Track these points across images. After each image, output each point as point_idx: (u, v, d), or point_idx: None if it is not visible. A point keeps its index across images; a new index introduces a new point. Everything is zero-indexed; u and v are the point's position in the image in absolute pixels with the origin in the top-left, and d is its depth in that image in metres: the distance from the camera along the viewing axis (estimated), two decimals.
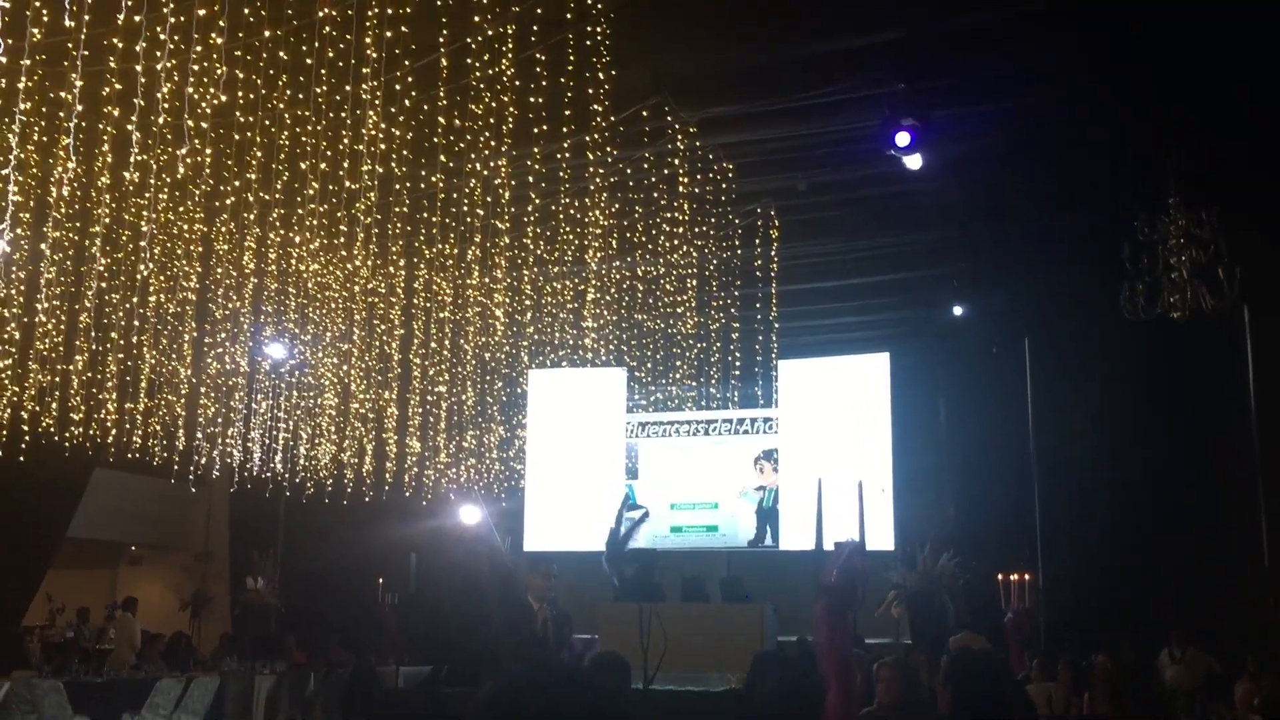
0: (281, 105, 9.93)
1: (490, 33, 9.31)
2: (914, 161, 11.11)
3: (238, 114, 9.61)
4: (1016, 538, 14.46)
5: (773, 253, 13.57)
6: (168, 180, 10.51)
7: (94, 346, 12.76)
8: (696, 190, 12.46)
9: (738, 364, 15.42)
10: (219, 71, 8.49)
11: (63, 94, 9.11)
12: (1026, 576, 13.04)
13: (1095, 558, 14.20)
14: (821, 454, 15.01)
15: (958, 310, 15.29)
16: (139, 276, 11.74)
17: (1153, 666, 11.13)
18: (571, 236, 13.02)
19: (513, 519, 15.33)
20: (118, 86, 9.10)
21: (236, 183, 10.89)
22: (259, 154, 10.42)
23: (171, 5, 7.87)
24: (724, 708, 10.44)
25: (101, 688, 12.80)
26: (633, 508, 14.90)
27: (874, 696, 6.42)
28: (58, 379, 12.97)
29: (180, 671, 13.90)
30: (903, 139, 10.79)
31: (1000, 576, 12.93)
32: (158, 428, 14.17)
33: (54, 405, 13.07)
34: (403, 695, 14.92)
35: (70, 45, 8.01)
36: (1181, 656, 11.37)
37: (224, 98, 8.81)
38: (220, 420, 14.88)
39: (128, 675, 13.38)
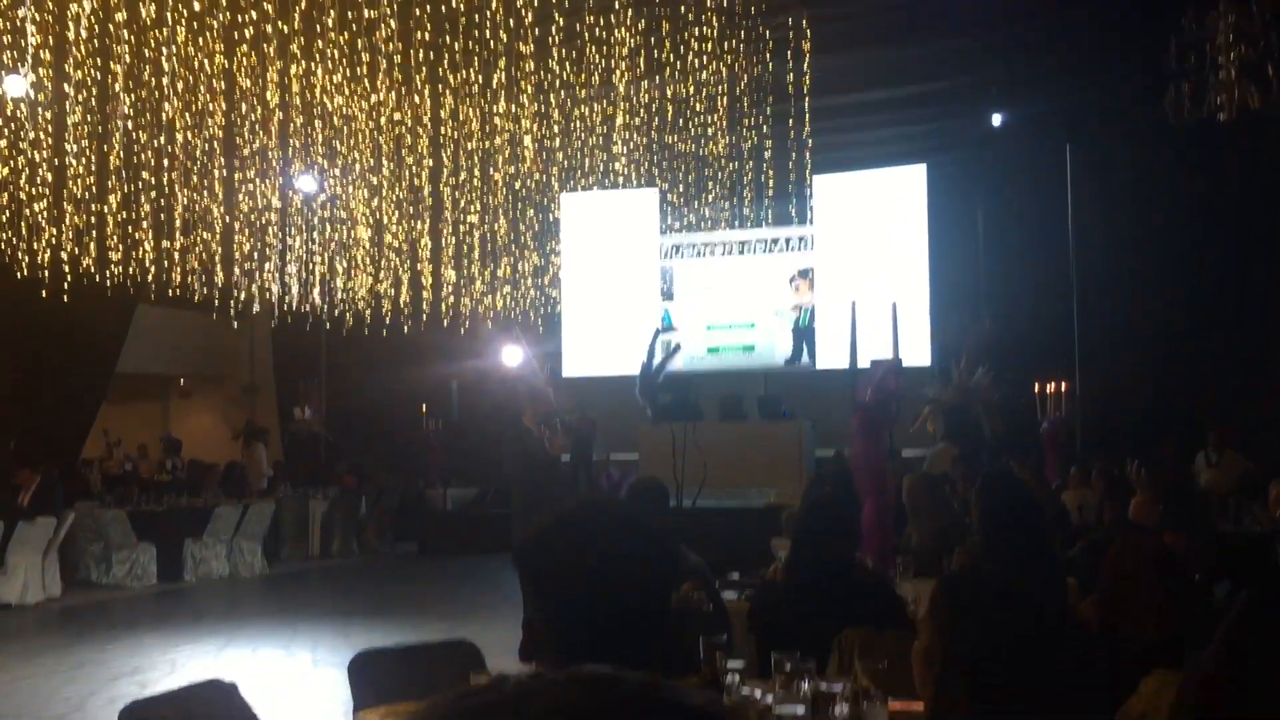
0: None
1: None
2: None
3: None
4: (1054, 348, 14.37)
5: (804, 66, 13.19)
6: (184, 14, 10.40)
7: (126, 187, 12.76)
8: (725, 2, 12.14)
9: (771, 182, 15.23)
10: None
11: None
12: (1063, 386, 13.05)
13: (1133, 366, 14.19)
14: (858, 270, 15.09)
15: (996, 118, 14.77)
16: (164, 115, 11.63)
17: (1188, 471, 11.06)
18: (598, 58, 12.79)
19: (550, 344, 15.45)
20: None
21: (254, 14, 10.65)
22: None
23: None
24: (764, 521, 10.52)
25: (163, 516, 13.32)
26: (667, 329, 15.31)
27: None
28: (93, 220, 13.05)
29: (236, 498, 14.45)
30: None
31: (1037, 387, 12.95)
32: (195, 265, 14.33)
33: (92, 246, 13.24)
34: (451, 516, 15.99)
35: None
36: (1218, 460, 11.17)
37: None
38: (256, 255, 15.00)
39: (186, 504, 13.86)
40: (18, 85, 10.96)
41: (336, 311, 15.66)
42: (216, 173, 14.04)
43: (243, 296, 15.12)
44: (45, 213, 12.59)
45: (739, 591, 5.31)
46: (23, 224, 12.65)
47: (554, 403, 10.43)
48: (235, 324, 15.33)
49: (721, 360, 16.08)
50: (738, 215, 16.04)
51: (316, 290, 15.38)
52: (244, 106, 13.48)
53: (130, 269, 13.86)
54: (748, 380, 15.48)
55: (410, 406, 16.33)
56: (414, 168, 14.85)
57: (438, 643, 3.86)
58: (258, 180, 14.58)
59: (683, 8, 12.30)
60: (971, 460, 9.81)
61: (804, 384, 15.33)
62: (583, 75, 13.54)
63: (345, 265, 15.50)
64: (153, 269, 13.93)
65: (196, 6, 10.18)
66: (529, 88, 13.57)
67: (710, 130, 14.87)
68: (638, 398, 13.69)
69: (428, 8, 11.24)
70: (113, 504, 13.45)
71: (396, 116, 14.39)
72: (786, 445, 13.91)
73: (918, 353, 13.75)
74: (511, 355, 13.83)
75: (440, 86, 13.92)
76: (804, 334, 15.87)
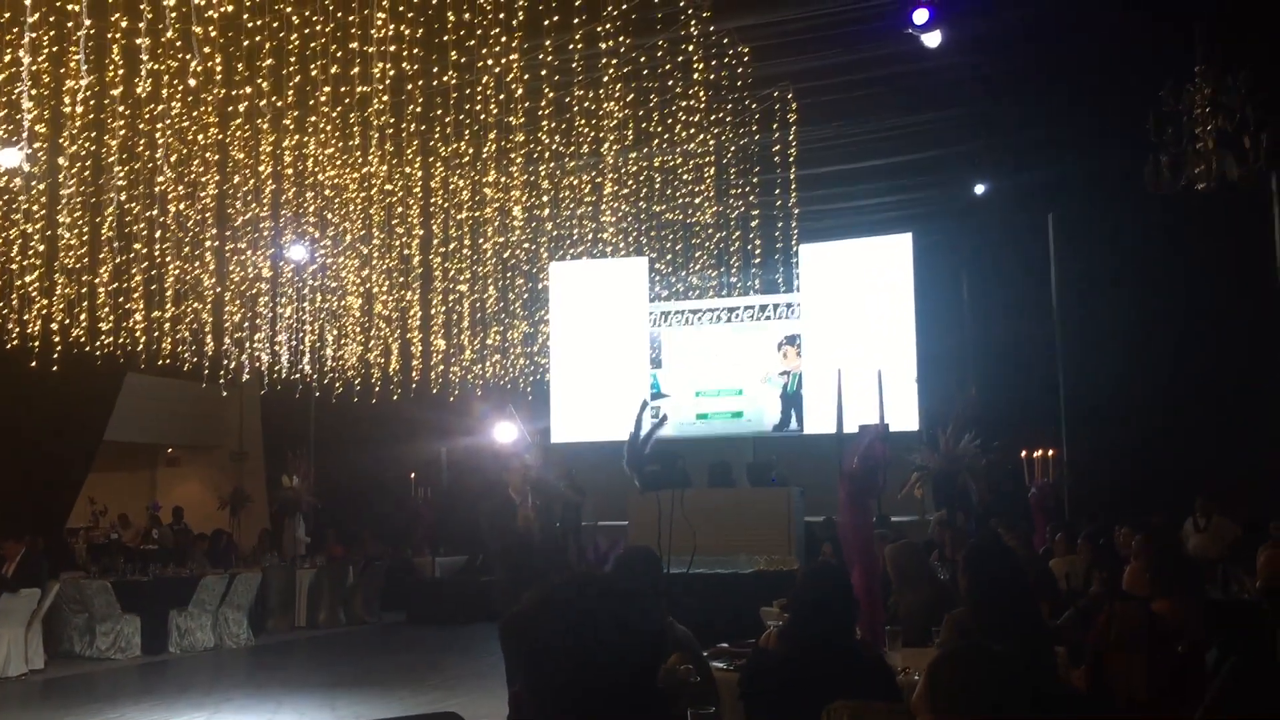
0: (289, 8, 9.86)
1: None
2: (933, 39, 10.95)
3: (245, 18, 9.61)
4: (1040, 415, 14.52)
5: (791, 137, 13.47)
6: (180, 89, 10.51)
7: (118, 258, 12.84)
8: (712, 76, 12.32)
9: (758, 250, 15.39)
10: None
11: (70, 5, 8.96)
12: (1050, 452, 13.12)
13: (1120, 432, 14.20)
14: (844, 337, 15.12)
15: (980, 188, 15.11)
16: (158, 186, 11.70)
17: (1176, 537, 10.99)
18: (587, 129, 12.95)
19: (540, 412, 15.34)
20: None
21: (248, 88, 10.81)
22: (269, 59, 10.35)
23: None
24: (753, 588, 10.60)
25: (148, 586, 13.15)
26: (657, 396, 15.32)
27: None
28: (84, 290, 13.12)
29: (223, 568, 14.31)
30: (920, 16, 10.71)
31: (1024, 453, 13.04)
32: (186, 334, 14.36)
33: (83, 316, 13.25)
34: (439, 584, 15.82)
35: None
36: (1206, 525, 11.35)
37: (230, 6, 8.64)
38: (247, 325, 15.04)
39: (171, 573, 13.77)
40: (12, 157, 11.01)
41: (326, 380, 15.69)
42: (208, 243, 14.11)
43: (232, 365, 15.14)
44: (37, 284, 12.67)
45: (728, 661, 5.29)
46: (14, 295, 12.70)
47: (539, 473, 9.99)
48: (224, 392, 15.29)
49: (710, 426, 16.05)
50: (725, 283, 16.12)
51: (306, 359, 15.40)
52: (236, 178, 13.53)
53: (120, 338, 13.90)
54: (736, 447, 15.43)
55: (399, 475, 16.28)
56: (404, 237, 14.92)
57: (424, 716, 3.82)
58: (249, 250, 14.66)
59: (670, 81, 12.44)
60: (959, 527, 9.91)
61: (792, 450, 15.24)
62: (571, 146, 13.68)
63: (335, 334, 15.55)
64: (143, 338, 13.96)
65: (192, 83, 10.25)
66: (518, 158, 13.71)
67: (698, 199, 15.04)
68: (625, 467, 13.85)
69: (420, 82, 11.32)
70: (98, 575, 13.28)
71: (388, 187, 14.48)
72: (775, 512, 13.82)
73: (905, 418, 13.75)
74: (504, 432, 13.34)
75: (431, 158, 14.10)
76: (792, 400, 15.85)
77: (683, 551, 10.86)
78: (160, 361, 14.45)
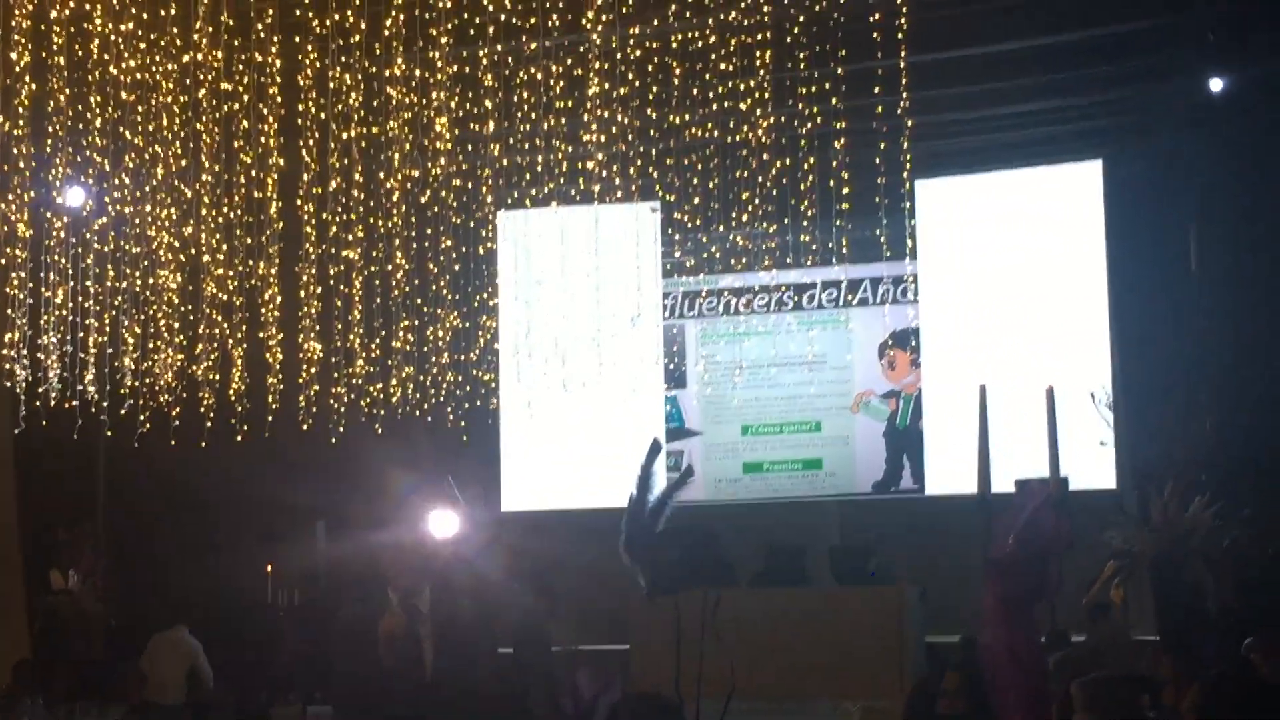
0: None
1: None
2: None
3: None
4: None
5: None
6: None
7: None
8: None
9: (846, 190, 11.94)
10: None
11: None
12: None
13: None
14: (989, 336, 12.71)
15: (1216, 84, 11.89)
16: None
17: None
18: None
19: (480, 462, 13.03)
20: None
21: None
22: None
23: None
24: None
25: None
26: (677, 433, 13.16)
27: None
28: None
29: None
30: None
31: None
32: None
33: None
34: None
35: None
36: None
37: None
38: None
39: None
40: None
41: (123, 410, 12.11)
42: None
43: None
44: None
45: None
46: None
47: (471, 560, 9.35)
48: None
49: (767, 485, 13.45)
50: (790, 244, 12.63)
51: (90, 374, 11.87)
52: None
53: None
54: (812, 519, 12.98)
55: (246, 568, 12.77)
56: (255, 170, 11.66)
57: None
58: None
59: None
60: (1186, 651, 8.94)
61: (906, 523, 12.70)
62: (532, 18, 10.77)
63: (138, 333, 12.07)
64: None
65: None
66: (444, 36, 10.75)
67: (745, 105, 11.64)
68: (622, 555, 9.84)
69: None
70: None
71: (226, 86, 11.30)
72: (877, 627, 11.09)
73: (1093, 469, 11.77)
74: (441, 523, 10.96)
75: (298, 36, 11.28)
76: (905, 440, 13.19)
77: (716, 696, 8.82)
78: None
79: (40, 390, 11.92)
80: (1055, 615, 9.34)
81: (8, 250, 11.34)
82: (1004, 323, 12.76)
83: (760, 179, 12.11)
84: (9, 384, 11.78)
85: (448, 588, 9.71)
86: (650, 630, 10.40)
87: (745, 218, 12.41)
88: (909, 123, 11.52)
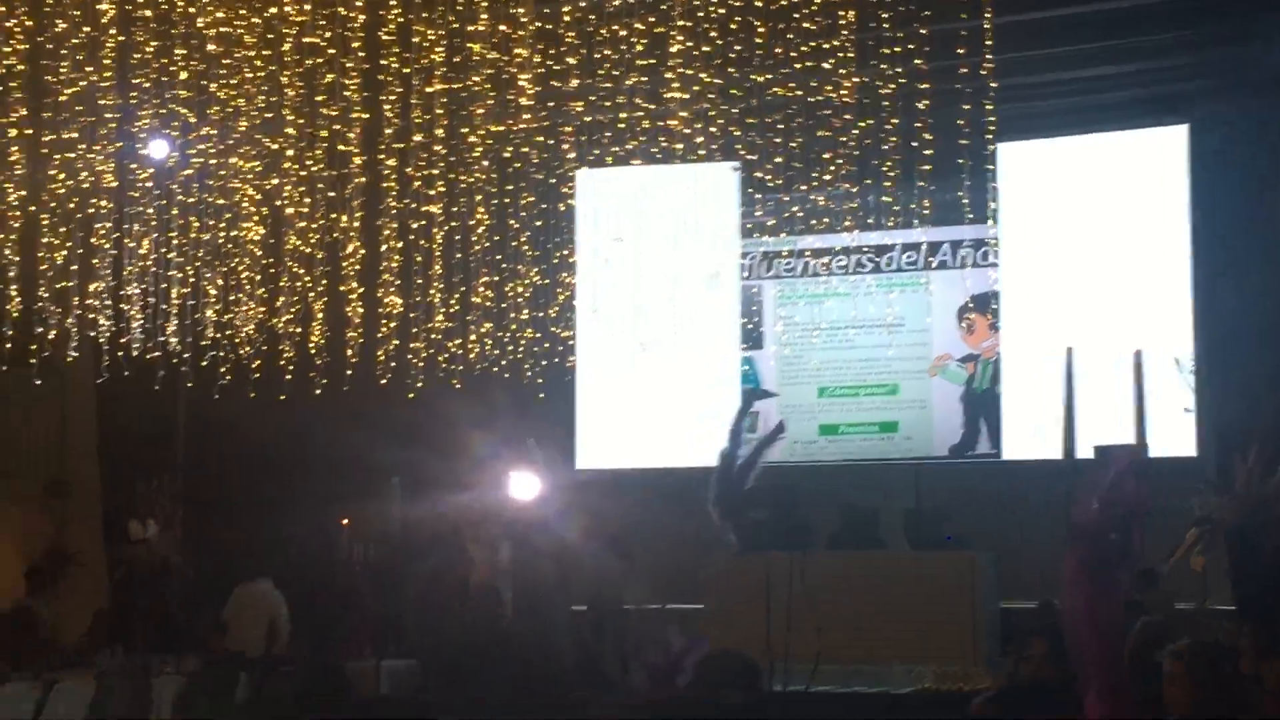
0: None
1: None
2: None
3: None
4: None
5: None
6: None
7: None
8: None
9: (928, 152, 11.89)
10: None
11: None
12: None
13: None
14: (1069, 301, 12.48)
15: None
16: None
17: None
18: None
19: (554, 420, 12.88)
20: None
21: None
22: None
23: None
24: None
25: None
26: (758, 394, 12.46)
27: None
28: None
29: (30, 673, 11.38)
30: None
31: None
32: None
33: None
34: (387, 705, 11.98)
35: None
36: None
37: None
38: (75, 268, 11.91)
39: None
40: None
41: (204, 362, 12.34)
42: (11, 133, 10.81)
43: (51, 336, 11.93)
44: None
45: None
46: None
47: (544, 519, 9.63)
48: (38, 380, 12.23)
49: (843, 448, 13.40)
50: (870, 205, 12.74)
51: (172, 326, 12.10)
52: (60, 22, 10.35)
53: None
54: (887, 482, 12.93)
55: (321, 522, 12.74)
56: (338, 124, 11.70)
57: None
58: (78, 146, 11.29)
59: None
60: (1267, 620, 8.23)
61: (983, 488, 12.57)
62: None
63: (220, 286, 12.31)
64: None
65: None
66: None
67: (828, 64, 11.52)
68: (711, 512, 10.93)
69: None
70: None
71: (308, 40, 11.17)
72: (953, 591, 11.48)
73: (1176, 436, 11.66)
74: (522, 486, 11.19)
75: None
76: (982, 404, 12.96)
77: (803, 657, 9.80)
78: None
79: (123, 341, 12.16)
80: (1141, 580, 9.21)
81: (93, 201, 11.61)
82: (1085, 288, 12.54)
83: (842, 139, 11.92)
84: (92, 334, 12.00)
85: (528, 546, 9.81)
86: (730, 591, 10.99)
87: (826, 178, 12.30)
88: (993, 85, 11.09)
